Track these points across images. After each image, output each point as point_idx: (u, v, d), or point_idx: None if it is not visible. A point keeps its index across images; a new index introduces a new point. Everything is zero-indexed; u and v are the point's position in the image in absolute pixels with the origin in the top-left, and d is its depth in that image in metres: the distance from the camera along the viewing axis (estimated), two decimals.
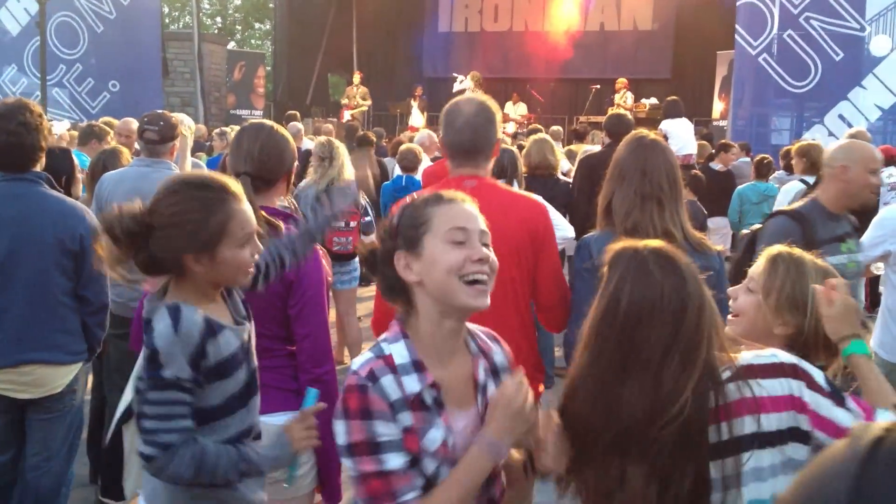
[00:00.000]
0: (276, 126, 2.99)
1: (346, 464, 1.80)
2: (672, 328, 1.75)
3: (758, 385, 1.78)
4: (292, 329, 2.78)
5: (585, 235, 3.13)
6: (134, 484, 2.75)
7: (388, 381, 1.79)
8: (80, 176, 4.19)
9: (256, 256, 2.17)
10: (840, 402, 1.81)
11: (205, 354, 2.05)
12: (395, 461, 1.76)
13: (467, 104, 3.02)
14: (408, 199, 1.96)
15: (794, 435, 1.77)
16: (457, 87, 18.64)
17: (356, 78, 19.47)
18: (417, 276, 1.84)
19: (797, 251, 2.22)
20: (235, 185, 2.16)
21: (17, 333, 3.45)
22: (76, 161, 4.23)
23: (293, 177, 3.03)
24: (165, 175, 4.54)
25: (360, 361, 1.84)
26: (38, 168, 3.55)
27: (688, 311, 1.77)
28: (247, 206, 2.15)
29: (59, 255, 3.48)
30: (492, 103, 3.08)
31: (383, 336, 1.90)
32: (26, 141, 3.41)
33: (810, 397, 1.80)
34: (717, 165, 10.03)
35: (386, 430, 1.76)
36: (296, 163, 3.00)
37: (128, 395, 2.75)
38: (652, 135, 3.16)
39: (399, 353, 1.84)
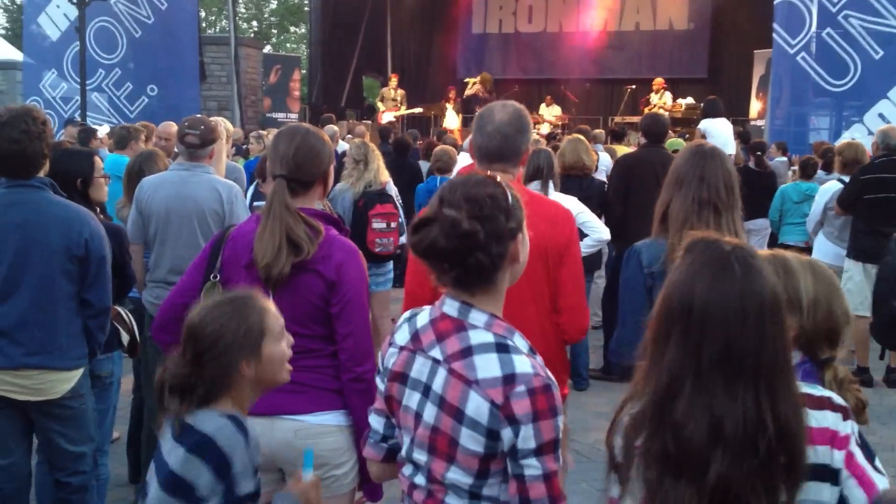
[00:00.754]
0: (313, 128, 2.99)
1: (533, 463, 1.84)
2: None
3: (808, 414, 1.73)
4: (334, 328, 2.80)
5: (636, 244, 3.13)
6: None
7: (552, 381, 1.90)
8: (102, 179, 4.21)
9: (291, 345, 2.30)
10: (871, 459, 1.81)
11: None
12: (559, 460, 1.88)
13: (501, 111, 3.03)
14: (479, 178, 1.99)
15: (819, 473, 1.74)
16: (468, 91, 18.68)
17: (393, 81, 19.51)
18: (522, 258, 2.00)
19: (779, 252, 2.18)
20: (254, 291, 2.29)
21: (21, 337, 3.48)
22: (99, 164, 4.25)
23: (331, 179, 3.03)
24: (205, 179, 4.59)
25: (530, 361, 1.88)
26: (43, 174, 3.59)
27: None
28: (271, 303, 2.29)
29: (65, 260, 3.50)
30: (525, 112, 3.10)
31: (497, 333, 1.93)
32: (28, 148, 3.44)
33: (851, 439, 1.79)
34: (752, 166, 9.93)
35: (560, 427, 1.87)
36: (332, 165, 3.00)
37: None
38: (710, 143, 3.21)
39: (522, 344, 1.96)
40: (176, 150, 4.86)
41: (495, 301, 2.00)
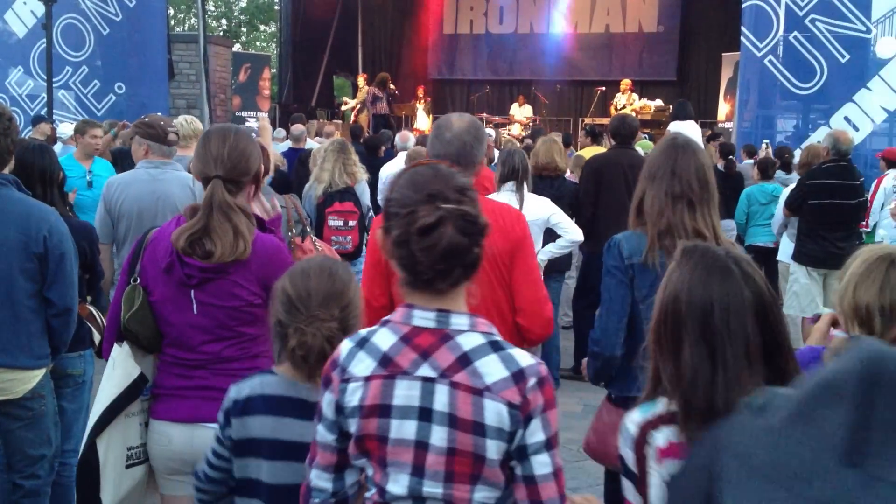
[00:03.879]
0: (241, 128, 3.01)
1: (543, 460, 1.80)
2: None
3: None
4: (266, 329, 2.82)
5: (616, 235, 3.15)
6: (111, 496, 2.77)
7: None
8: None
9: None
10: None
11: None
12: None
13: (458, 120, 3.08)
14: (442, 169, 1.96)
15: None
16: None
17: (361, 81, 19.47)
18: None
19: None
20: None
21: None
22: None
23: (262, 181, 3.04)
24: (177, 176, 4.56)
25: (526, 355, 1.84)
26: (8, 170, 3.52)
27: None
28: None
29: (24, 257, 3.42)
30: (480, 124, 3.17)
31: (484, 331, 1.85)
32: None
33: None
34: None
35: None
36: (261, 166, 3.00)
37: (97, 408, 2.78)
38: (683, 135, 3.21)
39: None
40: (137, 145, 4.75)
41: (462, 298, 1.88)
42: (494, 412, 1.76)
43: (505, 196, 5.61)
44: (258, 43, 40.84)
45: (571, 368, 6.98)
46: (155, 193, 4.46)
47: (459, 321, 1.84)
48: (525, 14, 22.78)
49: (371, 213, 6.67)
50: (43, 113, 13.29)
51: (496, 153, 8.14)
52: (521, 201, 5.59)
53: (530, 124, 18.27)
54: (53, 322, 3.55)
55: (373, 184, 7.69)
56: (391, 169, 8.45)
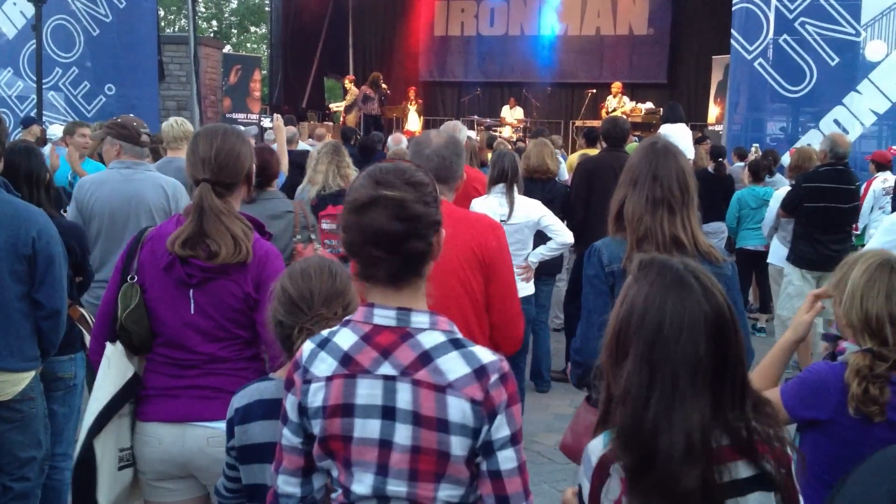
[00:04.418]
0: (232, 128, 2.95)
1: (509, 455, 1.79)
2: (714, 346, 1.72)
3: None
4: (258, 333, 2.80)
5: (595, 242, 3.11)
6: (106, 497, 2.75)
7: None
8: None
9: None
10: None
11: None
12: None
13: (437, 136, 3.21)
14: (405, 167, 1.93)
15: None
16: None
17: (348, 83, 19.46)
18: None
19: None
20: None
21: None
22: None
23: (253, 180, 2.98)
24: (149, 176, 4.56)
25: (486, 352, 1.82)
26: None
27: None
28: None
29: (12, 259, 3.41)
30: (460, 140, 3.30)
31: (444, 329, 1.85)
32: None
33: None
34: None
35: None
36: (254, 164, 2.95)
37: (94, 408, 2.74)
38: (663, 139, 3.16)
39: None
40: (110, 146, 4.73)
41: (422, 297, 1.88)
42: (458, 409, 1.76)
43: (494, 198, 5.61)
44: (249, 44, 40.77)
45: (563, 370, 6.99)
46: (127, 194, 4.46)
47: (420, 319, 1.83)
48: (516, 16, 22.80)
49: None
50: (33, 114, 13.24)
51: (489, 156, 8.14)
52: (510, 203, 5.60)
53: (521, 127, 18.29)
54: (42, 324, 3.53)
55: None
56: None
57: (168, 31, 31.95)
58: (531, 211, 5.71)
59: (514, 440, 1.79)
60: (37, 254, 3.44)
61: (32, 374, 3.57)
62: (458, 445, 1.76)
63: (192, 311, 2.76)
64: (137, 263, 2.81)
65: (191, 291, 2.75)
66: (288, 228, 4.78)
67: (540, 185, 6.76)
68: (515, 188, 5.69)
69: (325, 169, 6.30)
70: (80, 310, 3.99)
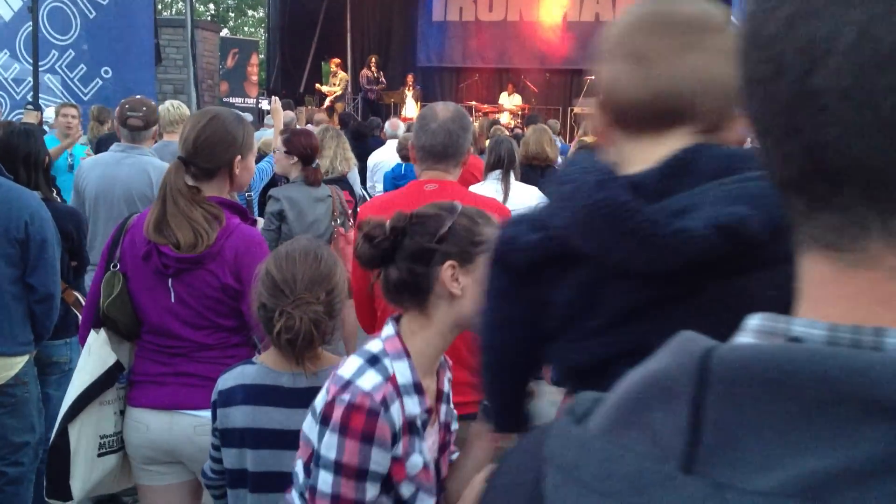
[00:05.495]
0: (227, 113, 2.90)
1: (323, 477, 1.71)
2: None
3: None
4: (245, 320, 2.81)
5: None
6: (81, 483, 2.75)
7: (395, 408, 1.73)
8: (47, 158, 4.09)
9: None
10: None
11: None
12: (371, 492, 1.71)
13: (444, 109, 3.00)
14: (444, 203, 1.90)
15: None
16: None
17: (332, 66, 19.40)
18: (461, 291, 1.80)
19: None
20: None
21: None
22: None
23: (235, 170, 2.85)
24: (139, 161, 4.54)
25: (371, 381, 1.73)
26: None
27: None
28: None
29: (4, 243, 3.40)
30: (466, 113, 3.09)
31: (381, 348, 1.81)
32: None
33: None
34: None
35: (380, 460, 1.70)
36: (239, 157, 2.83)
37: (71, 394, 2.74)
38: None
39: (402, 373, 1.77)
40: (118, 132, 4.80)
41: (426, 329, 1.85)
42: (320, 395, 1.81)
43: (490, 185, 5.59)
44: (246, 28, 40.64)
45: None
46: (112, 177, 4.45)
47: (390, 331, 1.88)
48: (514, 2, 22.71)
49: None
50: (29, 97, 13.21)
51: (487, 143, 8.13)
52: (506, 190, 5.58)
53: (520, 113, 18.25)
54: (36, 308, 3.53)
55: (360, 171, 7.71)
56: (380, 157, 8.42)
57: (165, 14, 31.81)
58: (527, 198, 5.69)
59: (338, 470, 1.71)
60: (29, 237, 3.43)
61: (26, 358, 3.57)
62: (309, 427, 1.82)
63: (173, 300, 2.75)
64: (120, 251, 2.80)
65: (169, 281, 2.74)
66: (328, 212, 4.91)
67: (539, 172, 6.74)
68: (512, 175, 5.67)
69: (332, 153, 6.29)
70: (74, 294, 3.98)
